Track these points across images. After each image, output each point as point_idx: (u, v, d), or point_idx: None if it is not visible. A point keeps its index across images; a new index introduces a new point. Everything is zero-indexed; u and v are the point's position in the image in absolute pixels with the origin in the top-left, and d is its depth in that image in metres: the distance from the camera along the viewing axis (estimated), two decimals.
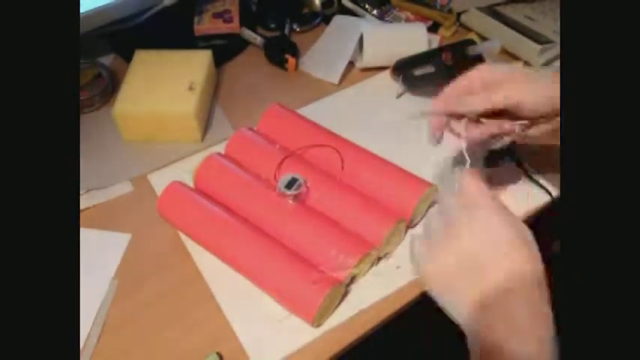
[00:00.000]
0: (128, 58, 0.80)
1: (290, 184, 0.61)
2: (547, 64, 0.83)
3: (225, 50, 0.89)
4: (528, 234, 0.44)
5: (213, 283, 0.61)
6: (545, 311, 0.41)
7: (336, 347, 0.56)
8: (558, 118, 0.54)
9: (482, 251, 0.42)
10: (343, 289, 0.58)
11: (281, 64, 0.86)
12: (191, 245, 0.64)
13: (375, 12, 0.94)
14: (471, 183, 0.46)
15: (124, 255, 0.64)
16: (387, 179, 0.64)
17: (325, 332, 0.56)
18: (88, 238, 0.65)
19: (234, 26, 0.91)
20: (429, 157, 0.72)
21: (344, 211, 0.61)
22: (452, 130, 0.55)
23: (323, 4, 0.95)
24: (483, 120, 0.55)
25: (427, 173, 0.65)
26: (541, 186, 0.68)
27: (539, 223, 0.68)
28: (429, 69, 0.73)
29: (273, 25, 0.93)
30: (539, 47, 0.81)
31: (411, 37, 0.83)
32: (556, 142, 0.51)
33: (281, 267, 0.57)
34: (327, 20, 0.92)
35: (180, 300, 0.60)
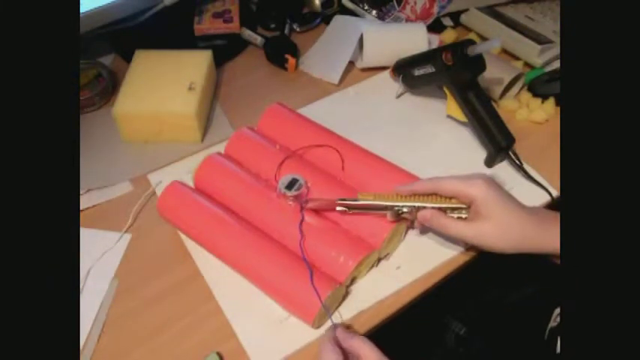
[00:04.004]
0: (128, 58, 0.80)
1: (290, 185, 0.61)
2: (547, 64, 0.83)
3: (225, 50, 0.89)
4: None
5: (213, 283, 0.61)
6: None
7: None
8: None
9: None
10: (344, 290, 0.58)
11: (281, 64, 0.86)
12: (191, 245, 0.64)
13: (374, 12, 0.94)
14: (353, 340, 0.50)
15: (124, 255, 0.64)
16: (388, 179, 0.64)
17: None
18: (89, 238, 0.65)
19: (234, 26, 0.91)
20: (428, 157, 0.72)
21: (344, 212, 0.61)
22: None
23: (323, 4, 0.95)
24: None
25: (427, 173, 0.65)
26: (541, 186, 0.68)
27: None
28: (429, 69, 0.73)
29: (273, 25, 0.93)
30: (539, 47, 0.81)
31: (411, 37, 0.83)
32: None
33: (281, 268, 0.57)
34: (327, 20, 0.92)
35: (180, 300, 0.60)
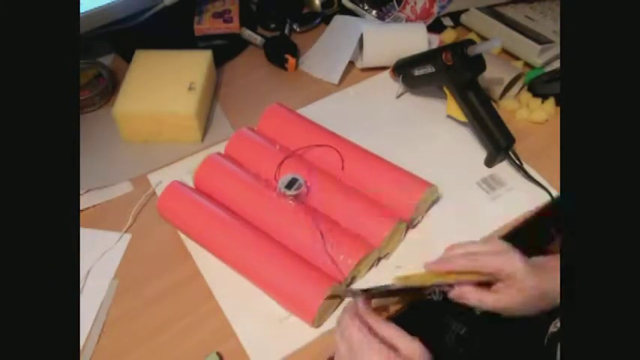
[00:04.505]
0: (128, 58, 0.80)
1: (290, 185, 0.61)
2: (547, 64, 0.83)
3: (225, 50, 0.89)
4: None
5: (213, 283, 0.61)
6: None
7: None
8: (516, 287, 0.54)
9: None
10: (343, 289, 0.58)
11: (281, 64, 0.86)
12: (191, 245, 0.64)
13: (374, 12, 0.94)
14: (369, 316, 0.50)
15: (124, 255, 0.64)
16: (387, 179, 0.64)
17: (325, 332, 0.56)
18: (89, 238, 0.65)
19: (234, 26, 0.91)
20: (429, 157, 0.72)
21: (344, 212, 0.61)
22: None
23: (323, 4, 0.95)
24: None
25: (427, 173, 0.65)
26: (541, 186, 0.68)
27: (539, 223, 0.68)
28: (429, 69, 0.73)
29: (273, 25, 0.93)
30: (539, 47, 0.81)
31: (411, 37, 0.83)
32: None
33: (281, 268, 0.57)
34: (327, 20, 0.92)
35: (180, 300, 0.60)
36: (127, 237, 0.66)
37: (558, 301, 0.54)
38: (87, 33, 0.78)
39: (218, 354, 0.55)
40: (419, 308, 0.60)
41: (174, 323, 0.58)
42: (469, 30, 0.91)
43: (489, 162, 0.71)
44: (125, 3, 0.80)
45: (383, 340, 0.47)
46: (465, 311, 0.57)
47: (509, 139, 0.69)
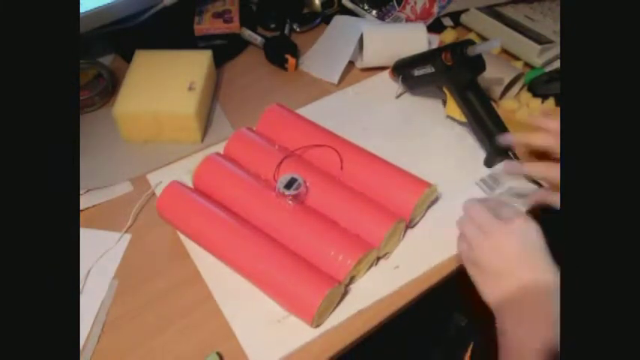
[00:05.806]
0: (128, 58, 0.80)
1: (289, 184, 0.61)
2: (547, 64, 0.83)
3: (225, 50, 0.89)
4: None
5: (212, 283, 0.61)
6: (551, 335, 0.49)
7: (336, 347, 0.56)
8: None
9: (510, 258, 0.53)
10: (342, 289, 0.58)
11: (281, 64, 0.86)
12: (190, 245, 0.64)
13: (374, 12, 0.94)
14: (509, 208, 0.58)
15: (124, 255, 0.64)
16: (387, 179, 0.64)
17: (324, 332, 0.56)
18: (89, 238, 0.65)
19: (234, 26, 0.91)
20: (428, 157, 0.72)
21: (343, 211, 0.61)
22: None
23: (323, 4, 0.95)
24: None
25: (426, 173, 0.65)
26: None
27: (539, 222, 0.68)
28: (429, 69, 0.73)
29: (273, 25, 0.93)
30: (539, 47, 0.81)
31: (411, 37, 0.83)
32: None
33: (280, 267, 0.57)
34: (327, 20, 0.92)
35: (179, 300, 0.60)
36: (127, 237, 0.66)
37: None
38: (87, 33, 0.78)
39: (218, 354, 0.55)
40: (422, 300, 0.60)
41: (174, 323, 0.58)
42: (469, 30, 0.91)
43: (489, 162, 0.71)
44: (125, 3, 0.80)
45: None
46: (466, 303, 0.58)
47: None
